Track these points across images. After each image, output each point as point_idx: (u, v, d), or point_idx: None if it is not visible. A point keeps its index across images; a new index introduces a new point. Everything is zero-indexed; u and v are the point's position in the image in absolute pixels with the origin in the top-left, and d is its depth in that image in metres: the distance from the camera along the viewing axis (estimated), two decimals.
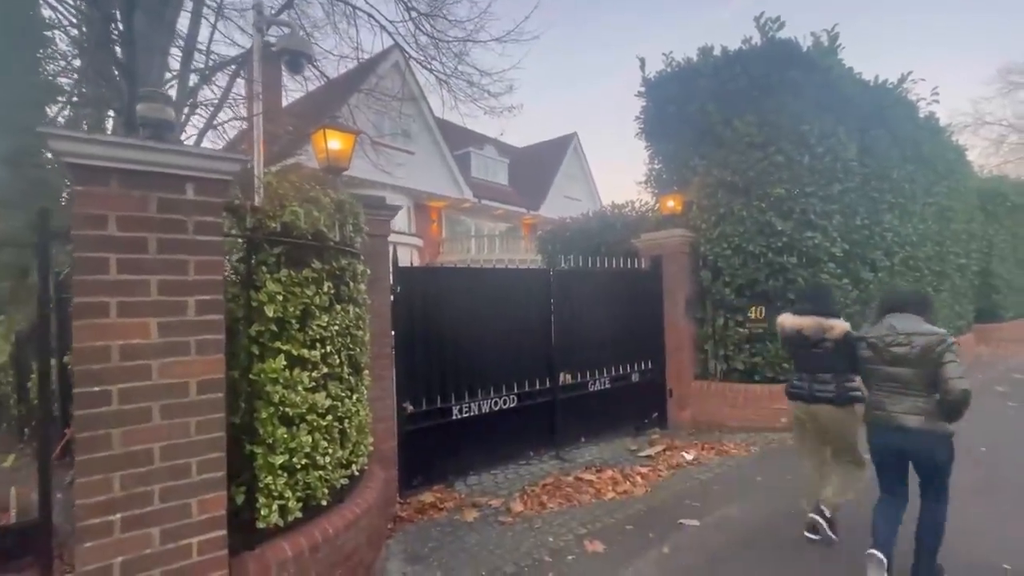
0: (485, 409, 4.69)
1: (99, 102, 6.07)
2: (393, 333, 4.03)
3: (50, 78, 6.74)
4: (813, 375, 3.17)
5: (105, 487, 1.84)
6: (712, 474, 4.49)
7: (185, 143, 4.62)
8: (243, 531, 2.23)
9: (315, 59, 7.21)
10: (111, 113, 6.11)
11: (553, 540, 3.33)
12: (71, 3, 5.18)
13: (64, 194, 4.60)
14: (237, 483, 2.27)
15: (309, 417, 2.49)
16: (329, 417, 2.61)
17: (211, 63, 6.84)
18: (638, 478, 4.37)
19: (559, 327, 5.27)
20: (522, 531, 3.49)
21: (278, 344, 2.37)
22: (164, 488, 1.94)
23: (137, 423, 1.90)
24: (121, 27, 4.25)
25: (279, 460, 2.32)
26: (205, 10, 6.09)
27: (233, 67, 6.92)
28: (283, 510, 2.34)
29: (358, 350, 2.99)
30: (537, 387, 5.05)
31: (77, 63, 6.49)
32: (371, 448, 3.23)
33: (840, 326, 3.09)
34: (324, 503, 2.57)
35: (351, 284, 2.91)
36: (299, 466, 2.42)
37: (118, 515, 1.85)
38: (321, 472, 2.54)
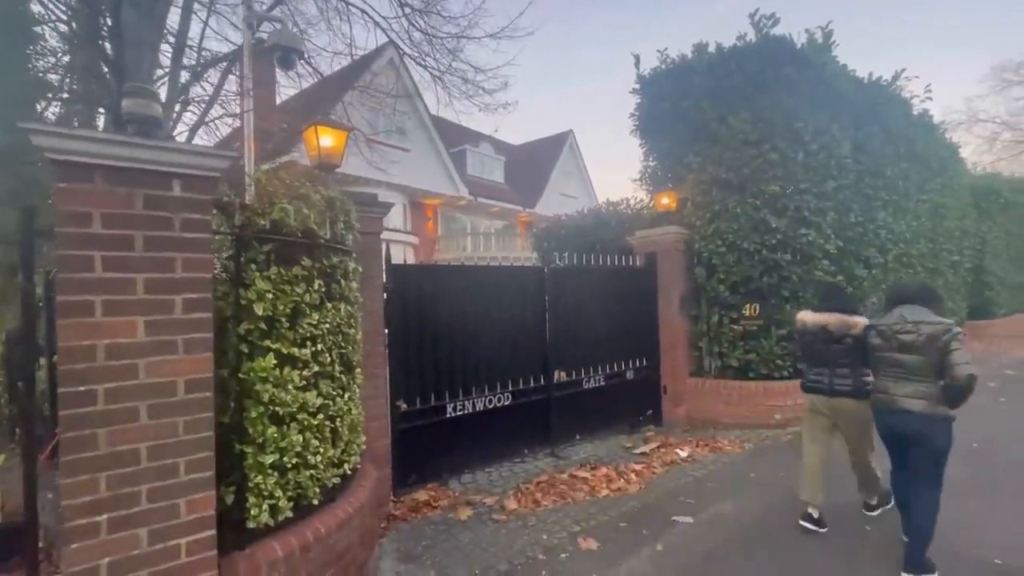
0: (480, 407, 4.68)
1: (89, 99, 6.01)
2: (386, 331, 4.01)
3: (40, 75, 6.68)
4: (832, 369, 3.29)
5: (91, 488, 1.81)
6: (706, 471, 4.50)
7: (175, 140, 4.57)
8: (233, 531, 2.21)
9: (307, 55, 7.17)
10: (102, 110, 6.06)
11: (547, 538, 3.32)
12: None
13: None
14: (227, 483, 2.25)
15: (300, 416, 2.47)
16: (320, 416, 2.59)
17: (203, 60, 6.79)
18: (632, 475, 4.37)
19: (554, 325, 5.26)
20: (516, 529, 3.48)
21: (268, 342, 2.35)
22: (152, 488, 1.92)
23: (123, 423, 1.87)
24: (109, 22, 4.19)
25: (269, 459, 2.30)
26: (196, 6, 6.03)
27: (225, 64, 6.87)
28: (274, 510, 2.33)
29: (350, 348, 2.96)
30: (532, 385, 5.04)
31: (67, 59, 6.44)
32: (364, 447, 3.21)
33: (862, 322, 3.22)
34: (316, 502, 2.55)
35: (342, 282, 2.88)
36: (290, 465, 2.40)
37: (104, 516, 1.83)
38: (312, 471, 2.52)
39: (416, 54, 7.41)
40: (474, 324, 4.68)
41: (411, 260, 17.13)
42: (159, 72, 6.33)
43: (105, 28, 4.33)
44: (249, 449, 2.27)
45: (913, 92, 7.89)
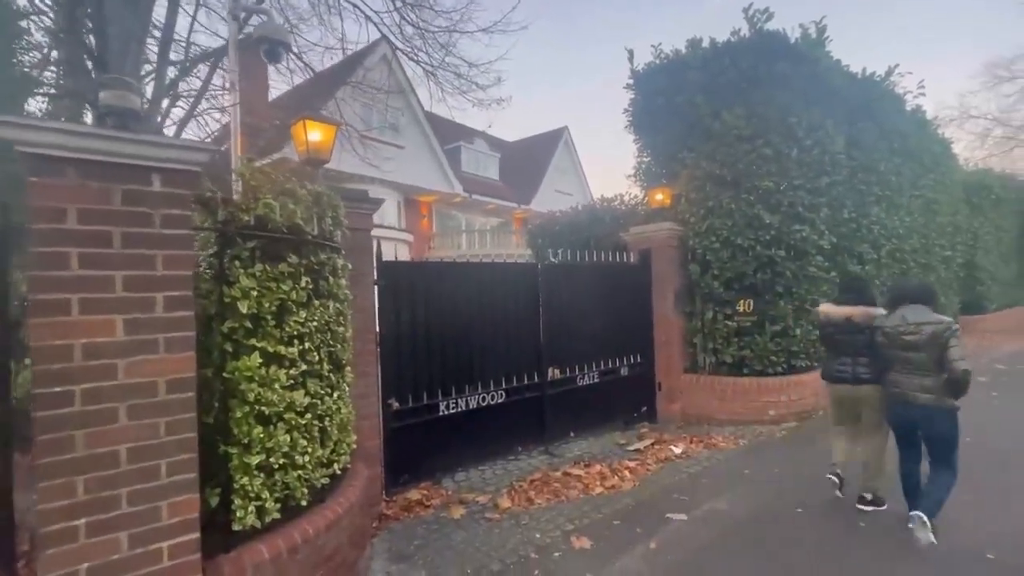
0: (473, 405, 4.64)
1: (76, 94, 5.91)
2: (378, 329, 3.96)
3: (26, 70, 6.55)
4: (855, 359, 3.47)
5: (68, 491, 1.76)
6: (700, 467, 4.48)
7: (161, 134, 4.48)
8: (218, 534, 2.17)
9: (298, 50, 7.09)
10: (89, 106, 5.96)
11: (540, 536, 3.30)
12: None
13: None
14: (212, 484, 2.21)
15: (287, 416, 2.42)
16: (308, 415, 2.55)
17: (192, 55, 6.70)
18: (626, 472, 4.35)
19: (547, 321, 5.22)
20: (509, 528, 3.46)
21: (253, 341, 2.30)
22: (132, 491, 1.87)
23: (102, 424, 1.82)
24: (91, 13, 4.10)
25: (255, 460, 2.26)
26: None
27: (214, 59, 6.77)
28: (260, 511, 2.28)
29: (339, 346, 2.92)
30: (525, 382, 5.01)
31: (55, 54, 6.32)
32: (354, 446, 3.16)
33: (884, 314, 3.38)
34: (304, 503, 2.51)
35: (331, 279, 2.83)
36: (277, 466, 2.36)
37: (82, 520, 1.78)
38: (300, 472, 2.48)
39: (408, 49, 7.35)
40: (467, 321, 4.64)
41: (405, 257, 17.06)
42: (147, 68, 6.24)
43: (87, 20, 4.23)
44: (234, 450, 2.23)
45: (906, 88, 7.94)
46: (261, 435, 2.29)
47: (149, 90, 5.76)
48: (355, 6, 6.91)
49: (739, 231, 5.71)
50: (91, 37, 4.58)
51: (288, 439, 2.40)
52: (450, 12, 7.07)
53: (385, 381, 4.04)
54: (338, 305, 2.93)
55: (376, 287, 3.93)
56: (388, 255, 4.14)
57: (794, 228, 5.65)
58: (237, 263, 2.28)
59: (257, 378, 2.29)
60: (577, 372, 5.44)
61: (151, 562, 1.89)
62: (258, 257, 2.38)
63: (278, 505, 2.36)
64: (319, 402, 2.65)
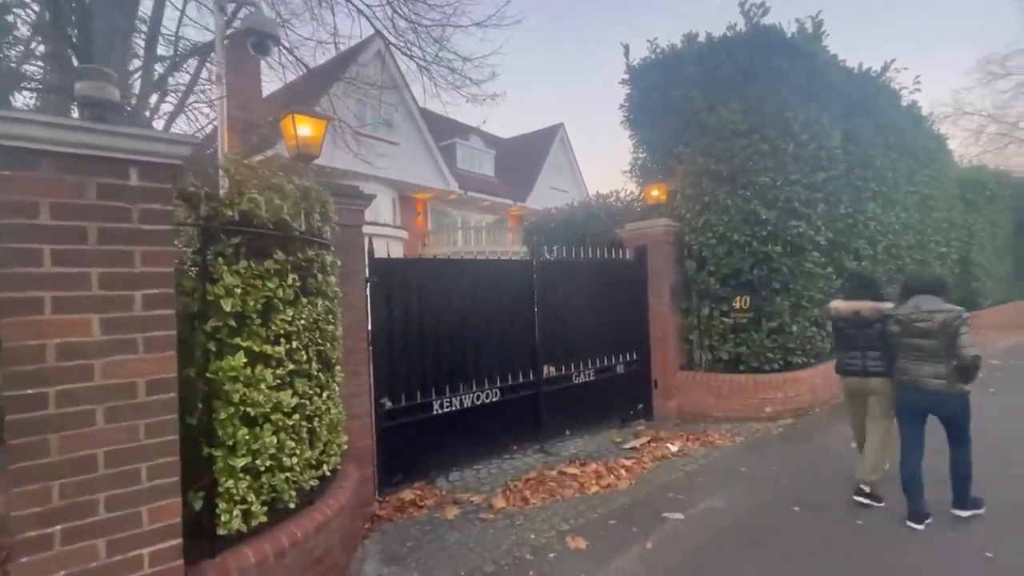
0: (467, 403, 4.59)
1: (61, 89, 5.79)
2: (370, 327, 3.90)
3: (12, 65, 6.42)
4: (865, 353, 3.58)
5: (43, 497, 1.70)
6: (697, 465, 4.45)
7: (135, 126, 4.39)
8: (202, 539, 2.11)
9: (290, 45, 6.98)
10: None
11: (535, 537, 3.25)
12: None
13: None
14: (195, 488, 2.14)
15: (274, 416, 2.36)
16: (296, 416, 2.48)
17: (182, 49, 6.58)
18: (622, 471, 4.31)
19: (543, 319, 5.17)
20: (504, 528, 3.41)
21: (238, 340, 2.24)
22: (110, 497, 1.81)
23: (78, 427, 1.76)
24: (75, 6, 4.00)
25: (241, 462, 2.19)
26: None
27: (204, 54, 6.66)
28: (246, 515, 2.22)
29: (328, 345, 2.85)
30: (521, 380, 4.96)
31: (40, 48, 6.19)
32: (345, 447, 3.11)
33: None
34: (292, 506, 2.45)
35: (319, 276, 2.77)
36: (263, 468, 2.29)
37: (58, 527, 1.71)
38: (288, 474, 2.42)
39: (401, 43, 7.24)
40: (461, 319, 4.58)
41: (401, 255, 16.96)
42: (136, 64, 6.13)
43: (72, 14, 4.13)
44: (219, 452, 2.16)
45: (901, 84, 7.89)
46: (247, 437, 2.23)
47: (137, 86, 5.65)
48: (347, 0, 6.81)
49: (735, 227, 5.67)
50: (76, 31, 4.46)
51: (275, 440, 2.34)
52: (443, 6, 6.97)
53: (377, 380, 3.98)
54: (327, 303, 2.87)
55: (368, 284, 3.87)
56: (383, 252, 4.08)
57: (791, 224, 5.61)
58: (221, 260, 2.21)
59: (242, 378, 2.22)
60: (573, 370, 5.39)
61: (131, 569, 1.83)
62: (243, 254, 2.32)
63: (265, 508, 2.30)
64: (308, 402, 2.59)
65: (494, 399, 4.76)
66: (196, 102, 6.08)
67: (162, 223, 1.94)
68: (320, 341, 2.76)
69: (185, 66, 6.88)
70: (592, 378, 5.56)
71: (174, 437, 1.96)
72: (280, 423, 2.38)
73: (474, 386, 4.64)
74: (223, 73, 3.25)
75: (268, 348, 2.35)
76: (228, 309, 2.17)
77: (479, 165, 23.33)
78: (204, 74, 6.36)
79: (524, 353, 5.04)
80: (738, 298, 5.76)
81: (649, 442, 5.12)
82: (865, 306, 3.59)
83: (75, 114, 6.54)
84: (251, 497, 2.24)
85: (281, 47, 7.46)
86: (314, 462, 2.65)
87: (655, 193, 6.22)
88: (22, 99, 6.60)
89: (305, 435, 2.57)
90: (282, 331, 2.43)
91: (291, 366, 2.48)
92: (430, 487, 4.16)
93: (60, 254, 1.75)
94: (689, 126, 6.08)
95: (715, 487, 3.93)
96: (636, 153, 6.99)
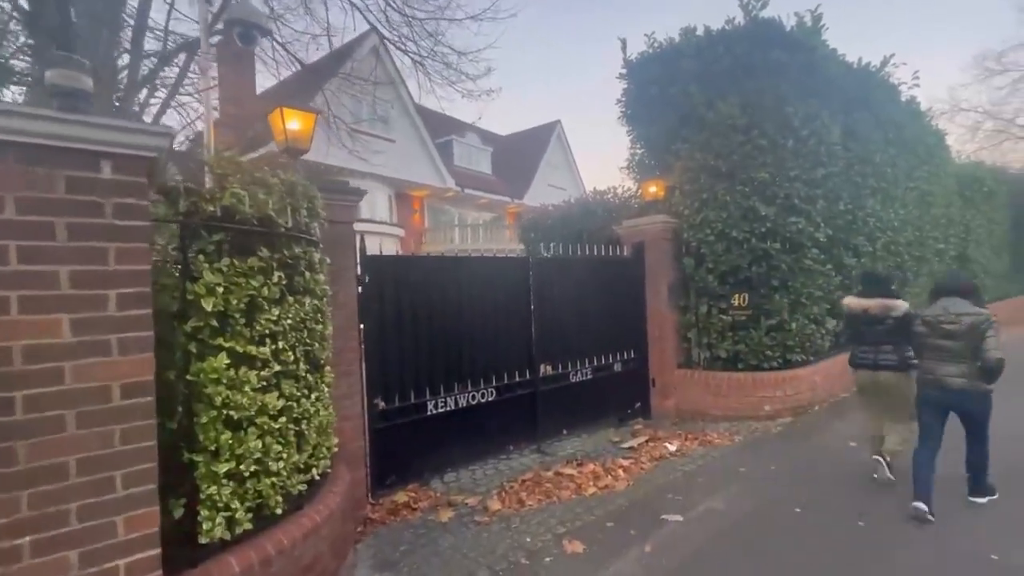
0: (462, 403, 4.51)
1: (42, 82, 5.67)
2: (362, 326, 3.81)
3: (2, 60, 6.29)
4: (876, 347, 3.71)
5: (11, 507, 1.62)
6: (696, 465, 4.38)
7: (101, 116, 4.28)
8: (184, 547, 2.03)
9: (282, 39, 6.88)
10: None
11: (531, 541, 3.17)
12: None
13: None
14: (176, 495, 2.06)
15: (259, 420, 2.27)
16: (283, 419, 2.40)
17: (174, 43, 6.47)
18: (620, 471, 4.24)
19: (539, 317, 5.09)
20: (499, 531, 3.33)
21: (220, 341, 2.15)
22: (83, 506, 1.72)
23: (48, 434, 1.67)
24: None
25: (224, 468, 2.11)
26: None
27: (194, 49, 6.54)
28: (230, 522, 2.14)
29: (317, 345, 2.77)
30: (517, 379, 4.88)
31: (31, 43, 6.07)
32: (336, 449, 3.03)
33: (903, 306, 3.65)
34: (279, 512, 2.37)
35: (307, 274, 2.68)
36: (248, 473, 2.21)
37: (27, 538, 1.63)
38: (274, 479, 2.34)
39: (396, 38, 7.16)
40: (456, 318, 4.49)
41: (398, 252, 16.84)
42: (126, 59, 6.01)
43: (53, 2, 4.01)
44: (200, 457, 2.08)
45: (900, 79, 7.81)
46: (230, 441, 2.14)
47: (125, 79, 5.54)
48: None
49: (734, 223, 5.59)
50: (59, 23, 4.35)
51: (260, 444, 2.26)
52: None
53: (370, 380, 3.89)
54: (316, 301, 2.79)
55: (359, 282, 3.78)
56: (384, 250, 3.98)
57: (790, 220, 5.54)
58: (201, 257, 2.12)
59: (225, 380, 2.14)
60: (570, 368, 5.32)
61: None
62: (226, 251, 2.23)
63: (250, 515, 2.22)
64: (295, 404, 2.51)
65: (490, 399, 4.69)
66: (184, 94, 5.96)
67: (137, 219, 1.85)
68: (308, 341, 2.68)
69: (175, 60, 6.77)
70: (589, 377, 5.49)
71: (151, 443, 1.87)
72: (265, 426, 2.30)
73: (469, 385, 4.56)
74: (208, 65, 3.15)
75: (253, 349, 2.26)
76: (209, 308, 2.08)
77: (476, 162, 23.21)
78: (196, 69, 6.25)
79: (520, 352, 4.96)
80: (737, 295, 5.69)
81: (647, 441, 5.05)
82: (873, 304, 3.71)
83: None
84: (235, 504, 2.16)
85: (275, 42, 7.35)
86: (302, 466, 2.58)
87: (653, 189, 6.14)
88: (10, 94, 6.49)
89: (292, 438, 2.49)
90: (267, 331, 2.35)
91: (277, 367, 2.40)
92: (424, 489, 4.08)
93: (27, 251, 1.66)
94: (687, 121, 5.99)
95: (714, 488, 3.87)
96: (633, 149, 6.91)
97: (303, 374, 2.60)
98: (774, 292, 5.58)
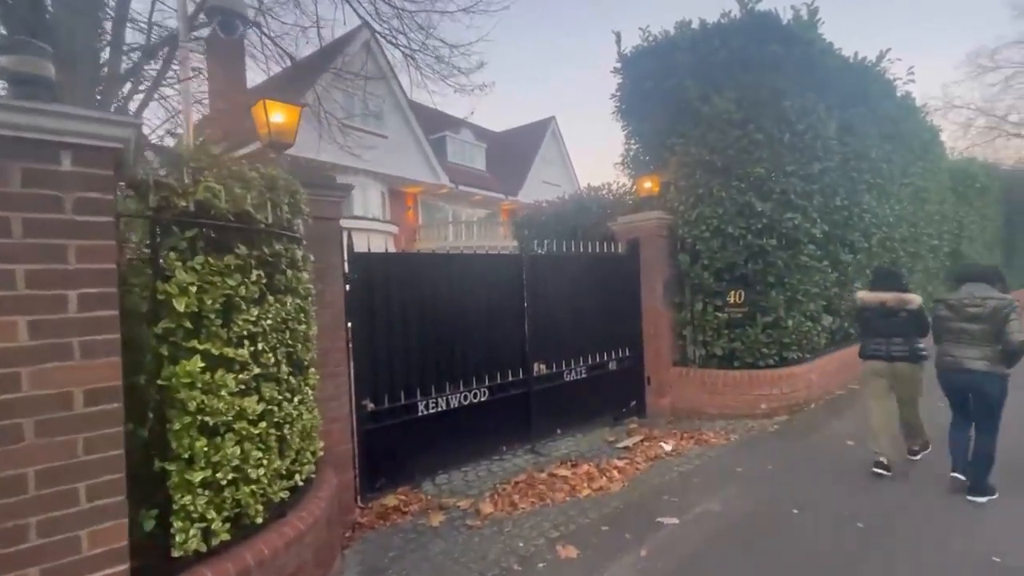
0: (454, 403, 4.41)
1: None
2: (349, 325, 3.71)
3: None
4: (889, 339, 3.85)
5: None
6: (691, 465, 4.31)
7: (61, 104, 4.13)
8: (157, 561, 1.93)
9: (268, 32, 6.72)
10: None
11: (523, 545, 3.09)
12: None
13: None
14: (148, 505, 1.96)
15: (237, 425, 2.17)
16: (263, 424, 2.29)
17: (159, 36, 6.30)
18: (615, 472, 4.16)
19: (533, 315, 5.00)
20: (491, 536, 3.25)
21: (194, 343, 2.04)
22: (44, 520, 1.61)
23: (3, 444, 1.56)
24: None
25: (199, 476, 2.00)
26: None
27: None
28: (206, 533, 2.03)
29: (300, 346, 2.66)
30: (510, 378, 4.79)
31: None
32: (321, 453, 2.92)
33: (917, 299, 3.82)
34: (259, 521, 2.27)
35: (288, 272, 2.57)
36: (225, 482, 2.10)
37: None
38: (254, 486, 2.23)
39: (386, 31, 7.00)
40: (448, 316, 4.39)
41: (392, 250, 16.68)
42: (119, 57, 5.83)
43: None
44: (173, 466, 1.97)
45: (895, 74, 7.77)
46: (205, 448, 2.03)
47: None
48: None
49: (730, 219, 5.52)
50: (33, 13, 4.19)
51: (238, 451, 2.15)
52: None
53: (359, 381, 3.79)
54: (299, 301, 2.68)
55: (347, 281, 3.67)
56: (377, 248, 3.87)
57: (786, 216, 5.47)
58: (173, 255, 2.01)
59: (200, 384, 2.03)
60: (564, 367, 5.24)
61: None
62: (200, 248, 2.11)
63: (227, 525, 2.11)
64: (276, 408, 2.40)
65: (483, 398, 4.60)
66: (167, 85, 5.80)
67: (101, 214, 1.74)
68: (290, 342, 2.57)
69: (161, 54, 6.60)
70: (584, 375, 5.41)
71: (119, 452, 1.76)
72: (244, 432, 2.19)
73: (461, 385, 4.47)
74: (187, 55, 3.02)
75: (230, 351, 2.15)
76: (182, 309, 1.97)
77: (470, 159, 23.06)
78: (179, 62, 6.09)
79: (514, 350, 4.87)
80: (732, 292, 5.62)
81: (642, 441, 4.98)
82: (890, 297, 3.84)
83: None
84: (211, 514, 2.05)
85: (264, 36, 7.19)
86: (284, 472, 2.47)
87: (648, 185, 6.05)
88: None
89: (274, 444, 2.38)
90: (246, 332, 2.24)
91: (257, 370, 2.29)
92: (415, 492, 3.99)
93: None
94: (682, 116, 5.90)
95: (710, 488, 3.80)
96: (628, 144, 6.82)
97: (285, 376, 2.50)
98: (770, 289, 5.52)
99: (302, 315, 2.70)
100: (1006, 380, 3.34)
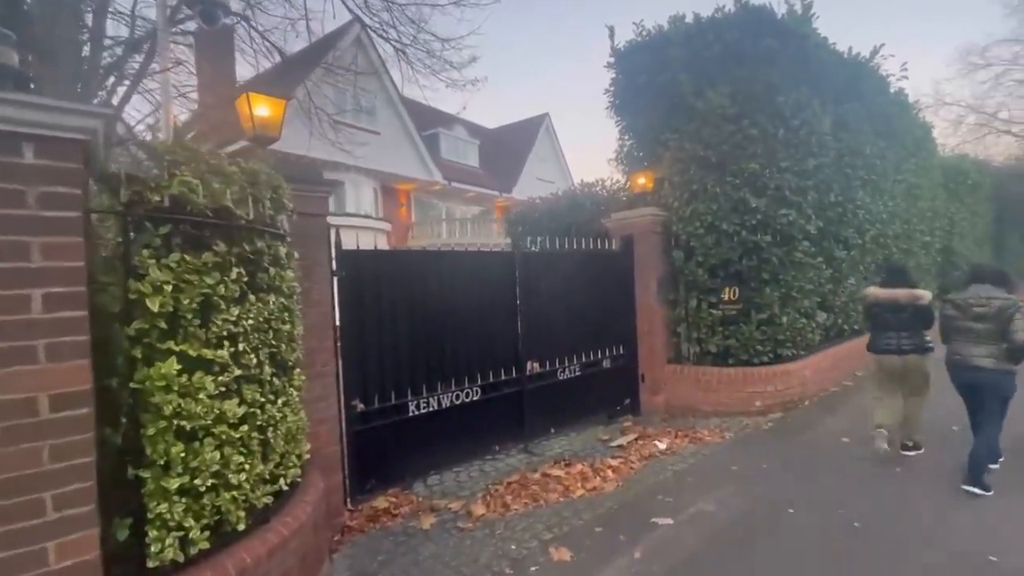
0: (446, 403, 4.34)
1: None
2: (338, 324, 3.62)
3: None
4: (899, 333, 3.98)
5: None
6: (686, 464, 4.27)
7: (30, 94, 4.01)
8: (131, 572, 1.85)
9: (259, 26, 6.60)
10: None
11: (515, 548, 3.03)
12: None
13: None
14: (123, 514, 1.88)
15: (217, 429, 2.09)
16: (244, 427, 2.21)
17: (139, 31, 6.16)
18: (609, 472, 4.11)
19: (526, 313, 4.93)
20: (482, 538, 3.18)
21: (170, 344, 1.95)
22: (6, 533, 1.53)
23: None
24: None
25: (175, 483, 1.92)
26: None
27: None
28: (184, 542, 1.96)
29: (284, 346, 2.58)
30: (503, 377, 4.72)
31: None
32: (307, 456, 2.85)
33: (927, 295, 3.99)
34: (241, 527, 2.19)
35: (271, 270, 2.48)
36: (204, 488, 2.02)
37: None
38: (235, 492, 2.15)
39: (377, 24, 6.90)
40: (439, 315, 4.31)
41: (385, 247, 16.54)
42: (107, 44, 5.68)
43: None
44: (148, 473, 1.89)
45: (888, 71, 7.75)
46: (182, 453, 1.95)
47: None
48: None
49: (724, 216, 5.47)
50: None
51: (218, 456, 2.07)
52: None
53: (348, 381, 3.71)
54: (283, 300, 2.59)
55: (335, 279, 3.58)
56: (368, 245, 3.79)
57: (780, 212, 5.43)
58: (146, 252, 1.92)
59: (176, 387, 1.95)
60: (557, 365, 5.17)
61: None
62: (176, 245, 2.03)
63: (207, 533, 2.03)
64: (259, 411, 2.32)
65: (475, 398, 4.53)
66: (151, 77, 5.67)
67: (68, 209, 1.65)
68: (274, 342, 2.49)
69: (144, 47, 6.46)
70: (578, 374, 5.35)
71: (89, 459, 1.68)
72: (224, 436, 2.11)
73: (453, 385, 4.40)
74: (165, 45, 2.92)
75: (208, 352, 2.07)
76: (156, 309, 1.89)
77: (463, 155, 22.93)
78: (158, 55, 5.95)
79: (506, 349, 4.81)
80: (727, 289, 5.58)
81: (636, 439, 4.94)
82: (902, 293, 3.98)
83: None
84: (189, 522, 1.97)
85: (252, 30, 7.07)
86: (268, 476, 2.39)
87: (641, 181, 5.99)
88: None
89: (256, 447, 2.30)
90: (226, 332, 2.15)
91: (238, 371, 2.21)
92: (406, 493, 3.92)
93: None
94: (676, 111, 5.84)
95: (705, 488, 3.76)
96: (622, 140, 6.75)
97: (268, 378, 2.42)
98: (764, 285, 5.48)
99: (286, 314, 2.62)
100: (1013, 377, 3.44)
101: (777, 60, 5.48)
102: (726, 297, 5.59)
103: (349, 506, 3.63)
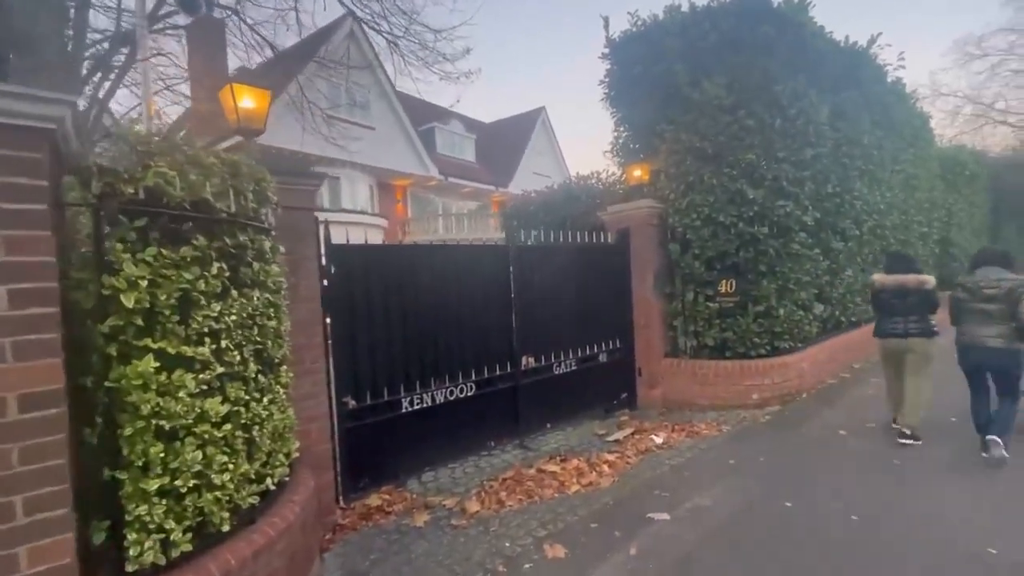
0: (440, 399, 4.29)
1: None
2: (328, 320, 3.56)
3: None
4: (906, 318, 4.13)
5: None
6: (683, 459, 4.23)
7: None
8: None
9: (249, 20, 6.48)
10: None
11: (510, 545, 2.99)
12: None
13: None
14: (101, 516, 1.82)
15: (198, 428, 2.02)
16: (228, 426, 2.15)
17: (127, 24, 6.05)
18: (605, 467, 4.07)
19: (521, 307, 4.88)
20: (476, 535, 3.14)
21: (147, 341, 1.89)
22: None
23: None
24: None
25: (155, 484, 1.86)
26: None
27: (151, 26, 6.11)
28: (165, 545, 1.90)
29: (270, 343, 2.52)
30: (498, 372, 4.67)
31: None
32: (296, 454, 2.79)
33: (932, 280, 4.13)
34: (225, 529, 2.13)
35: (255, 265, 2.42)
36: (186, 489, 1.97)
37: None
38: (219, 493, 2.09)
39: (368, 16, 6.79)
40: (432, 310, 4.26)
41: (366, 241, 16.41)
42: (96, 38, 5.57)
43: None
44: (125, 474, 1.83)
45: (886, 60, 7.67)
46: (162, 454, 1.89)
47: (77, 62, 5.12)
48: None
49: (721, 207, 5.41)
50: None
51: (200, 456, 2.01)
52: None
53: (339, 377, 3.65)
54: (268, 295, 2.53)
55: (324, 274, 3.52)
56: (363, 240, 3.71)
57: (778, 204, 5.37)
58: (120, 246, 1.85)
59: (154, 385, 1.88)
60: (553, 360, 5.13)
61: None
62: (153, 239, 1.96)
63: (189, 535, 1.97)
64: (243, 409, 2.26)
65: (469, 393, 4.47)
66: (135, 67, 5.56)
67: (32, 201, 1.58)
68: (259, 339, 2.42)
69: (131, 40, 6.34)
70: (573, 368, 5.30)
71: (61, 461, 1.62)
72: (207, 435, 2.05)
73: (447, 380, 4.35)
74: (144, 34, 2.83)
75: (188, 349, 2.01)
76: (131, 305, 1.82)
77: (459, 150, 22.80)
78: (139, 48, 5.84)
79: (501, 344, 4.75)
80: (724, 282, 5.54)
81: (633, 434, 4.90)
82: (910, 279, 4.13)
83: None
84: (170, 524, 1.91)
85: (243, 23, 6.94)
86: (254, 476, 2.33)
87: (637, 173, 5.93)
88: None
89: (241, 447, 2.24)
90: (207, 329, 2.09)
91: (220, 369, 2.15)
92: (400, 490, 3.87)
93: None
94: (672, 102, 5.77)
95: (702, 483, 3.72)
96: (618, 131, 6.68)
97: (253, 375, 2.35)
98: (761, 278, 5.43)
99: (272, 310, 2.56)
100: (1021, 355, 3.63)
101: (774, 48, 5.40)
102: (723, 290, 5.54)
103: (341, 504, 3.58)
